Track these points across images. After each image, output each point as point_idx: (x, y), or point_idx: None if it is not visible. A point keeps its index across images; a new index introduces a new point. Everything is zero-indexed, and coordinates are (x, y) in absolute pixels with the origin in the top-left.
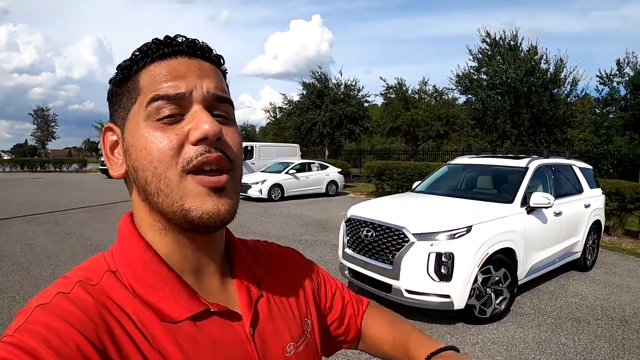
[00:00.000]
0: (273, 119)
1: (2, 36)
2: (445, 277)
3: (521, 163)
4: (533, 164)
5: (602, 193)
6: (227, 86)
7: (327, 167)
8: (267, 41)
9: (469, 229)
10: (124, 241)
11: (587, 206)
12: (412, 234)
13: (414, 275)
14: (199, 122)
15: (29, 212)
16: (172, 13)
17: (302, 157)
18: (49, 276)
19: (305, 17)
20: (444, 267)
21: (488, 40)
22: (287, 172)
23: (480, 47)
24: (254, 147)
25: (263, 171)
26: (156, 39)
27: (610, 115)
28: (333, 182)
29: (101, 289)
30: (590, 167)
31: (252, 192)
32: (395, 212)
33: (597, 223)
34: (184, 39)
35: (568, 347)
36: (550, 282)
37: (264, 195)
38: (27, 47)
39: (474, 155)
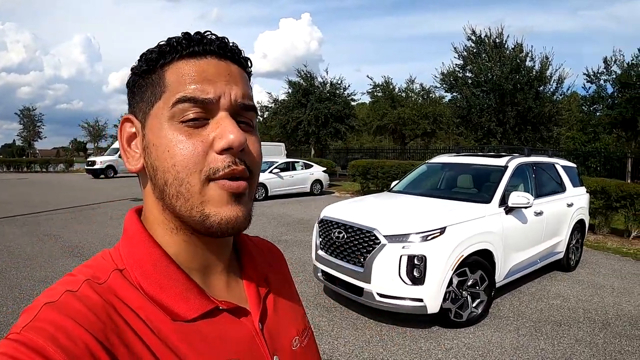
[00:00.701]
0: (260, 118)
1: None
2: (418, 280)
3: (500, 162)
4: (512, 163)
5: (587, 191)
6: (251, 90)
7: (312, 166)
8: (257, 40)
9: (442, 230)
10: (132, 239)
11: (569, 205)
12: (384, 236)
13: (385, 279)
14: (225, 131)
15: (11, 214)
16: (162, 11)
17: (289, 156)
18: (24, 279)
19: (294, 16)
20: (416, 270)
21: (473, 38)
22: (270, 172)
23: (465, 45)
24: None
25: None
26: (186, 33)
27: (598, 113)
28: (318, 181)
29: (109, 287)
30: (574, 165)
31: None
32: (367, 213)
33: (580, 222)
34: (214, 37)
35: (546, 353)
36: (532, 283)
37: None
38: (16, 45)
39: (454, 154)
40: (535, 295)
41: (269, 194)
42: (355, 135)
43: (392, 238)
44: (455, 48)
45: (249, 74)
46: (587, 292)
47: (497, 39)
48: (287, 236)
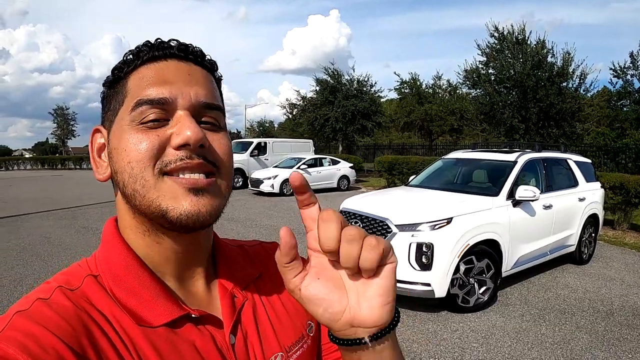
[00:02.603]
0: (290, 115)
1: (22, 36)
2: (426, 266)
3: (510, 157)
4: (522, 158)
5: (603, 187)
6: (221, 92)
7: (339, 162)
8: (285, 37)
9: (449, 220)
10: (107, 245)
11: (581, 200)
12: (395, 225)
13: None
14: (182, 127)
15: (48, 208)
16: (190, 10)
17: (318, 152)
18: (65, 266)
19: (323, 13)
20: (424, 256)
21: (496, 34)
22: (298, 167)
23: (488, 42)
24: (267, 143)
25: (275, 166)
26: (148, 41)
27: (625, 109)
28: (345, 177)
29: (81, 293)
30: (589, 160)
31: (264, 187)
32: (382, 205)
33: (593, 216)
34: (176, 42)
35: (546, 337)
36: (543, 274)
37: (276, 190)
38: (47, 46)
39: (469, 150)
40: (544, 286)
41: None
42: (384, 132)
43: (402, 227)
44: (478, 45)
45: (218, 78)
46: (595, 284)
47: (519, 35)
48: None
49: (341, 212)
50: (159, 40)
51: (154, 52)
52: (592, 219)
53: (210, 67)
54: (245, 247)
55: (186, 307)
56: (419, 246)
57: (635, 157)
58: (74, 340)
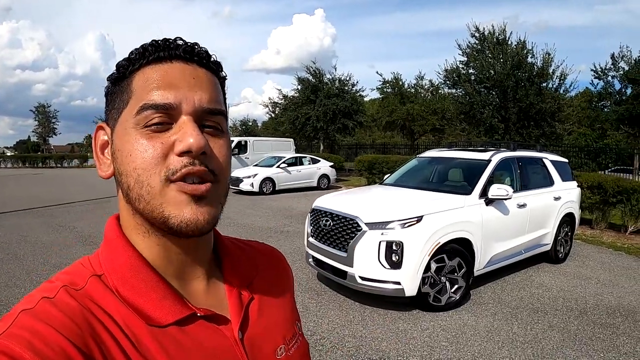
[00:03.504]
0: (272, 114)
1: (5, 32)
2: (396, 264)
3: (484, 156)
4: (496, 157)
5: (581, 186)
6: (225, 94)
7: (319, 161)
8: (270, 36)
9: (419, 218)
10: (110, 245)
11: (557, 199)
12: (365, 223)
13: (366, 263)
14: (185, 134)
15: (27, 207)
16: (175, 9)
17: (300, 151)
18: (40, 264)
19: (308, 12)
20: (394, 255)
21: (477, 34)
22: (278, 166)
23: (469, 42)
24: (248, 142)
25: (255, 165)
26: (154, 40)
27: (605, 110)
28: (325, 176)
29: (86, 293)
30: (565, 160)
31: (244, 186)
32: (353, 203)
33: (569, 215)
34: (182, 42)
35: (517, 336)
36: (518, 273)
37: (255, 188)
38: (30, 43)
39: (445, 149)
40: (518, 285)
41: (276, 188)
42: (367, 131)
43: (372, 225)
44: (459, 45)
45: (222, 79)
46: (570, 283)
47: (499, 36)
48: (290, 227)
49: (313, 210)
50: (165, 40)
51: (159, 52)
52: (568, 218)
53: (214, 68)
54: (242, 244)
55: (192, 306)
56: (389, 244)
57: (616, 158)
58: (80, 339)
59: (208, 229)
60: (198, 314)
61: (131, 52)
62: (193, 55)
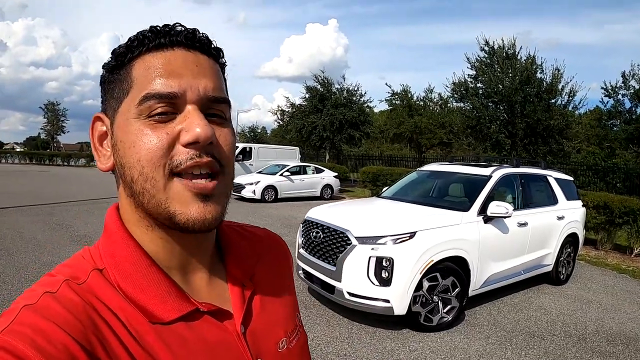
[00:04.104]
0: (280, 122)
1: (20, 29)
2: (385, 281)
3: (485, 171)
4: (497, 173)
5: (586, 206)
6: (225, 81)
7: (323, 170)
8: (283, 44)
9: (412, 234)
10: (111, 237)
11: (560, 218)
12: (355, 237)
13: (354, 278)
14: (191, 124)
15: (27, 203)
16: (190, 12)
17: (307, 160)
18: (31, 262)
19: (321, 21)
20: (384, 271)
21: (486, 48)
22: (281, 174)
23: (478, 55)
24: (253, 149)
25: (259, 172)
26: (154, 26)
27: (615, 128)
28: (328, 186)
29: (88, 287)
30: (570, 178)
31: (246, 193)
32: (345, 216)
33: (572, 236)
34: (182, 29)
35: None
36: (517, 294)
37: (257, 196)
38: (45, 41)
39: (446, 163)
40: (516, 306)
41: (278, 196)
42: (375, 143)
43: (362, 239)
44: (467, 58)
45: (223, 66)
46: (571, 307)
47: (509, 50)
48: (288, 237)
49: (305, 221)
50: (165, 26)
51: (159, 39)
52: (571, 238)
53: (216, 54)
54: (243, 231)
55: (195, 301)
56: (379, 260)
57: (625, 178)
58: (82, 336)
59: (215, 226)
60: (201, 309)
61: (129, 39)
62: (195, 41)
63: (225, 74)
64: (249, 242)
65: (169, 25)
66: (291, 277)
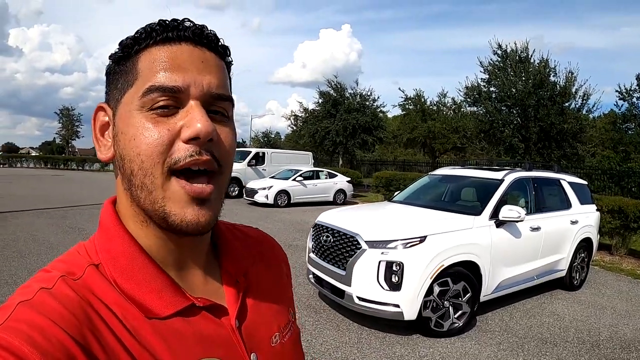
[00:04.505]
0: (294, 127)
1: (35, 36)
2: (395, 286)
3: (497, 175)
4: (509, 177)
5: (601, 210)
6: (230, 80)
7: (336, 175)
8: (297, 49)
9: (422, 239)
10: (107, 232)
11: (574, 222)
12: (365, 241)
13: (364, 283)
14: (193, 120)
15: (41, 206)
16: (204, 18)
17: (320, 165)
18: (43, 264)
19: (335, 27)
20: (394, 276)
21: (499, 52)
22: (294, 179)
23: (491, 59)
24: (266, 154)
25: (272, 177)
26: (162, 20)
27: (629, 132)
28: (341, 191)
29: (84, 283)
30: (584, 182)
31: (259, 198)
32: (355, 220)
33: (586, 240)
34: (191, 24)
35: None
36: (529, 299)
37: (270, 201)
38: (60, 47)
39: (458, 167)
40: (528, 312)
41: (291, 201)
42: (389, 148)
43: (372, 244)
44: (481, 62)
45: (229, 64)
46: (584, 313)
47: (522, 53)
48: (299, 242)
49: (315, 225)
50: (173, 20)
51: (167, 33)
52: (585, 243)
53: (222, 52)
54: (238, 232)
55: (190, 296)
56: (389, 265)
57: None
58: (78, 332)
59: (207, 230)
60: (197, 304)
61: (137, 31)
62: (202, 37)
63: (231, 73)
64: (244, 243)
65: (177, 19)
66: (287, 277)
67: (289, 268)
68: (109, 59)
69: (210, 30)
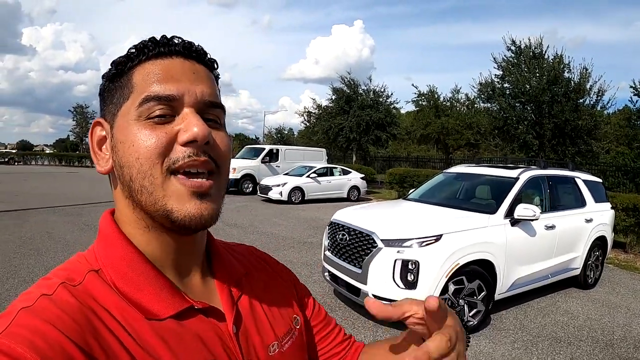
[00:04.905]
0: (307, 123)
1: (49, 34)
2: (411, 284)
3: (512, 173)
4: (524, 175)
5: (615, 208)
6: (219, 91)
7: (350, 172)
8: (309, 46)
9: (438, 237)
10: (107, 239)
11: (588, 220)
12: (381, 240)
13: (380, 281)
14: (189, 124)
15: (57, 204)
16: (215, 16)
17: (334, 162)
18: (60, 262)
19: (347, 23)
20: (409, 274)
21: (513, 48)
22: (308, 176)
23: (504, 55)
24: (280, 150)
25: (285, 174)
26: (152, 37)
27: None
28: (355, 188)
29: (84, 289)
30: (599, 180)
31: (273, 194)
32: (370, 218)
33: (601, 239)
34: (179, 40)
35: None
36: (544, 298)
37: (284, 197)
38: (73, 45)
39: (473, 165)
40: (543, 311)
41: (305, 198)
42: (402, 144)
43: (388, 242)
44: (494, 58)
45: (217, 77)
46: (598, 311)
47: (536, 49)
48: (314, 239)
49: (331, 223)
50: (163, 37)
51: (159, 48)
52: (599, 242)
53: (210, 65)
54: (229, 246)
55: (190, 299)
56: (405, 263)
57: None
58: (80, 337)
59: (212, 224)
60: (195, 307)
61: (130, 49)
62: (192, 51)
63: (219, 86)
64: (236, 257)
65: (167, 36)
66: (288, 286)
67: (291, 276)
68: (103, 78)
69: (199, 45)
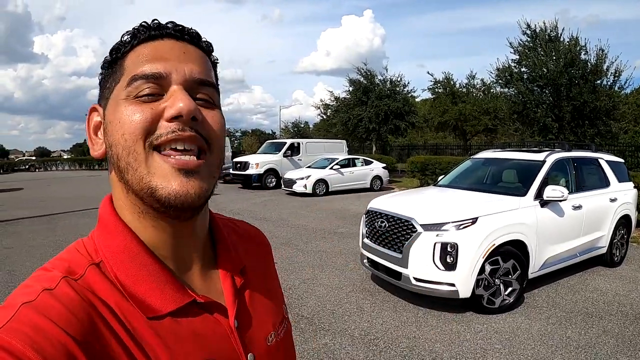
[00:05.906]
0: (324, 116)
1: (60, 41)
2: (450, 266)
3: (539, 157)
4: (551, 158)
5: (637, 187)
6: (216, 74)
7: (372, 162)
8: (319, 38)
9: (474, 220)
10: (107, 228)
11: (613, 200)
12: (420, 225)
13: (421, 264)
14: (175, 99)
15: (83, 207)
16: (225, 12)
17: (352, 153)
18: None
19: (356, 13)
20: (449, 256)
21: (528, 31)
22: (331, 168)
23: (520, 40)
24: (301, 144)
25: (308, 167)
26: (144, 22)
27: None
28: (377, 177)
29: (85, 283)
30: (621, 160)
31: (297, 188)
32: (408, 205)
33: (625, 218)
34: (172, 24)
35: (571, 341)
36: (573, 276)
37: (309, 190)
38: (84, 50)
39: (498, 150)
40: (573, 288)
41: (329, 190)
42: (419, 132)
43: (427, 227)
44: (510, 43)
45: (214, 62)
46: (626, 288)
47: (551, 33)
48: (343, 229)
49: (368, 211)
50: (155, 20)
51: (150, 31)
52: (624, 220)
53: (206, 48)
54: (233, 224)
55: (192, 293)
56: (444, 246)
57: None
58: (81, 335)
59: (199, 204)
60: (197, 301)
61: (123, 35)
62: (183, 33)
63: (218, 71)
64: (240, 237)
65: (159, 20)
66: (274, 272)
67: (272, 256)
68: (101, 68)
69: (192, 28)
